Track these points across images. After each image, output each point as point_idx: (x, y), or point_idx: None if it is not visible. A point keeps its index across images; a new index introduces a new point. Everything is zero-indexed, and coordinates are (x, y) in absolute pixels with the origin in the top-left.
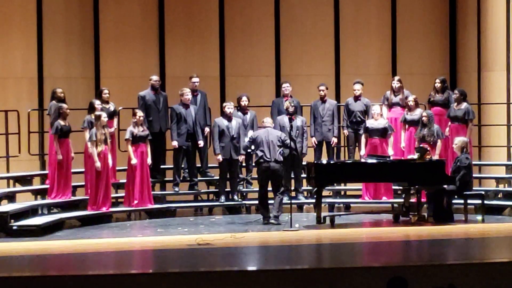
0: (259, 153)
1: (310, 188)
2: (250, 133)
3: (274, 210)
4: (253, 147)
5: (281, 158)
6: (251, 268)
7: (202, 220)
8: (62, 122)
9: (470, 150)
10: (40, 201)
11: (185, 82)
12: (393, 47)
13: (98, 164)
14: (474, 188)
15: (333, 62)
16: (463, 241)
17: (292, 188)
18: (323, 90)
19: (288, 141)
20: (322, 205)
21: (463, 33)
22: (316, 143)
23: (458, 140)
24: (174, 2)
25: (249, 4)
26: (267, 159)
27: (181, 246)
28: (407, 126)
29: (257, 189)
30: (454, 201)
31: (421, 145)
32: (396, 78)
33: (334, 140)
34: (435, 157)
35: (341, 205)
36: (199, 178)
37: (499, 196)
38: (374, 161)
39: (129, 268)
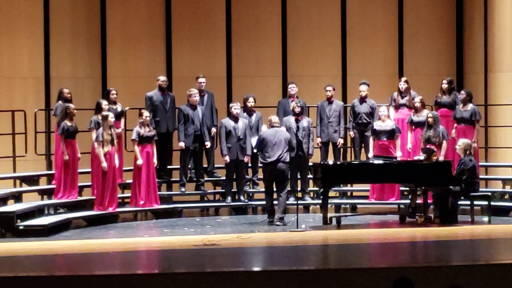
0: (266, 154)
1: (317, 189)
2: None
3: (279, 212)
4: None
5: (288, 159)
6: (257, 268)
7: (208, 220)
8: (68, 123)
9: (477, 151)
10: (46, 201)
11: (191, 82)
12: (399, 48)
13: (104, 164)
14: (480, 189)
15: (340, 63)
16: (469, 242)
17: (299, 189)
18: (330, 91)
19: (295, 143)
20: (329, 206)
21: (470, 34)
22: (321, 143)
23: (462, 142)
24: (180, 3)
25: (256, 5)
26: (274, 160)
27: (187, 247)
28: (413, 127)
29: (263, 189)
30: (460, 203)
31: (427, 146)
32: (403, 79)
33: (340, 141)
34: (441, 158)
35: (348, 206)
36: (205, 179)
37: (505, 197)
38: (380, 162)
39: (135, 269)
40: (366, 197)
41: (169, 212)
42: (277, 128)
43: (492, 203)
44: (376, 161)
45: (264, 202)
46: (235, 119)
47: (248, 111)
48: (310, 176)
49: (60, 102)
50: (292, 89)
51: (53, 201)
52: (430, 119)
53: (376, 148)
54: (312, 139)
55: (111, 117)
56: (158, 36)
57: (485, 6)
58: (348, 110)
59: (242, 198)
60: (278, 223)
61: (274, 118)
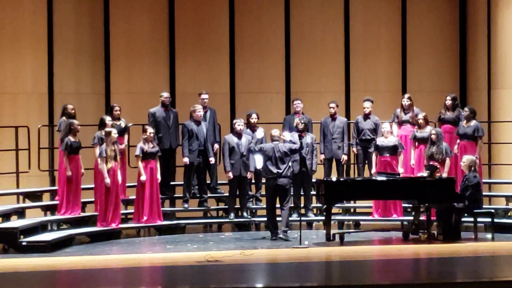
0: (267, 169)
1: (320, 205)
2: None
3: (283, 225)
4: (259, 155)
5: (289, 173)
6: (260, 285)
7: (211, 236)
8: (72, 139)
9: (480, 168)
10: (49, 217)
11: (194, 99)
12: (403, 65)
13: (107, 180)
14: (484, 206)
15: (343, 79)
16: (473, 259)
17: (302, 205)
18: (333, 108)
19: (296, 146)
20: (332, 222)
21: (473, 51)
22: (324, 159)
23: (466, 159)
24: (184, 19)
25: (259, 21)
26: (275, 174)
27: (190, 263)
28: (416, 143)
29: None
30: (464, 219)
31: (430, 163)
32: (406, 95)
33: (344, 157)
34: (444, 174)
35: (351, 222)
36: (208, 195)
37: (509, 214)
38: (383, 178)
39: (138, 285)
40: (370, 214)
41: (172, 228)
42: (276, 142)
43: (495, 220)
44: (379, 178)
45: (266, 218)
46: (239, 135)
47: (251, 127)
48: (313, 192)
49: (64, 118)
50: (297, 105)
51: (56, 217)
52: (433, 136)
53: (378, 164)
54: (316, 155)
55: (114, 133)
56: (162, 53)
57: (488, 23)
58: (351, 126)
59: (245, 214)
60: (281, 236)
61: (274, 132)
